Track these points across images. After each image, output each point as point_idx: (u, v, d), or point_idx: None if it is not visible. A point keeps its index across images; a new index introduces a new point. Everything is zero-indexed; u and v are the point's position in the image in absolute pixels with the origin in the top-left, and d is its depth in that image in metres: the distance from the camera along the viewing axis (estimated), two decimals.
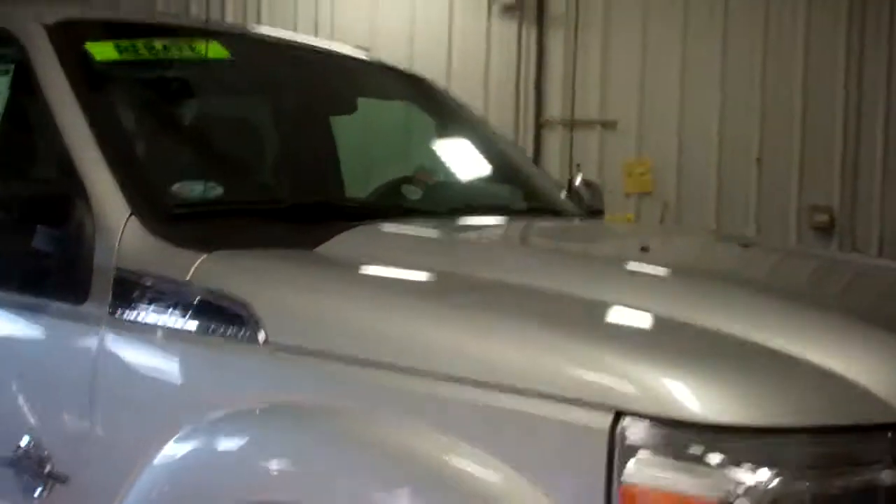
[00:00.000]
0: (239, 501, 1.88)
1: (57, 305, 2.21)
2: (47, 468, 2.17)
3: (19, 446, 2.21)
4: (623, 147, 7.60)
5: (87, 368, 2.12)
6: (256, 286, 2.02)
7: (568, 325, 1.82)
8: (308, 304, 1.97)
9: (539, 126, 7.73)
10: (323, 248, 2.22)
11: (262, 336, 1.93)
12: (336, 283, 2.06)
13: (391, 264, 2.16)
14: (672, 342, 1.74)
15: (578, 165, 7.46)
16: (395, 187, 3.36)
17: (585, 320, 1.88)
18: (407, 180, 3.47)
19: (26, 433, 2.21)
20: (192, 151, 2.75)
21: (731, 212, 7.40)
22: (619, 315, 1.87)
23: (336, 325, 1.90)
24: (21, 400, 2.26)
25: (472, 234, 2.68)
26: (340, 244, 2.24)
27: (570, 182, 3.77)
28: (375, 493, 1.75)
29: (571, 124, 7.60)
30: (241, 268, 2.09)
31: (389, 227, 2.47)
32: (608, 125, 7.64)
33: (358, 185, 3.59)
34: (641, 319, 1.84)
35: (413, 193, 3.39)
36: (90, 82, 2.42)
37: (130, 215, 2.20)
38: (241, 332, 1.96)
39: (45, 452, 2.18)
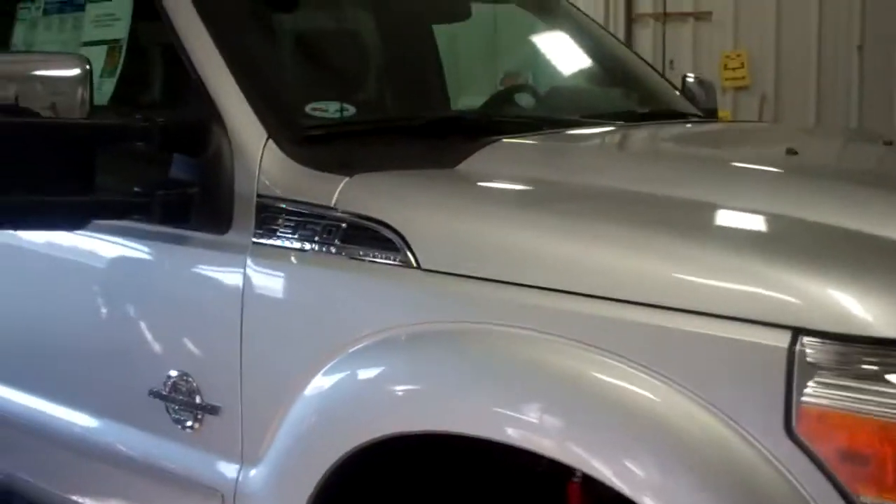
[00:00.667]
0: (386, 432, 1.85)
1: (199, 236, 2.17)
2: (197, 399, 2.17)
3: (168, 378, 2.21)
4: (718, 40, 7.33)
5: (234, 298, 2.08)
6: (405, 210, 1.96)
7: (740, 241, 1.75)
8: (460, 227, 1.90)
9: (630, 20, 7.50)
10: (464, 167, 2.14)
11: (413, 261, 1.88)
12: (487, 205, 1.99)
13: (537, 182, 2.09)
14: (850, 256, 1.65)
15: (672, 61, 7.25)
16: (508, 96, 3.26)
17: (757, 235, 1.81)
18: (519, 88, 3.37)
19: (175, 365, 2.20)
20: (320, 70, 2.67)
21: (832, 104, 7.13)
22: (789, 228, 1.78)
23: (490, 247, 1.83)
24: (168, 332, 2.25)
25: (614, 146, 2.58)
26: (480, 162, 2.16)
27: (684, 80, 3.64)
28: (533, 418, 1.70)
29: (664, 17, 7.35)
30: (388, 191, 2.03)
31: (527, 142, 2.38)
32: (702, 17, 7.37)
33: (470, 95, 3.50)
34: (814, 232, 1.75)
35: (526, 101, 3.29)
36: (215, 2, 2.35)
37: (268, 140, 2.14)
38: (392, 258, 1.91)
39: (195, 384, 2.17)
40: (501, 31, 3.69)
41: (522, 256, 1.78)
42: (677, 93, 3.46)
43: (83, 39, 2.53)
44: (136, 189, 2.16)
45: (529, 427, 1.69)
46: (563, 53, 3.43)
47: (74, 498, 2.59)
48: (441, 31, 3.34)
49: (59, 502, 2.68)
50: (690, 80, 3.65)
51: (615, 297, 1.65)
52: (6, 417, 2.71)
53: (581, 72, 3.42)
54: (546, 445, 1.67)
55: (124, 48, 2.43)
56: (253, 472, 2.08)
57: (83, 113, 2.04)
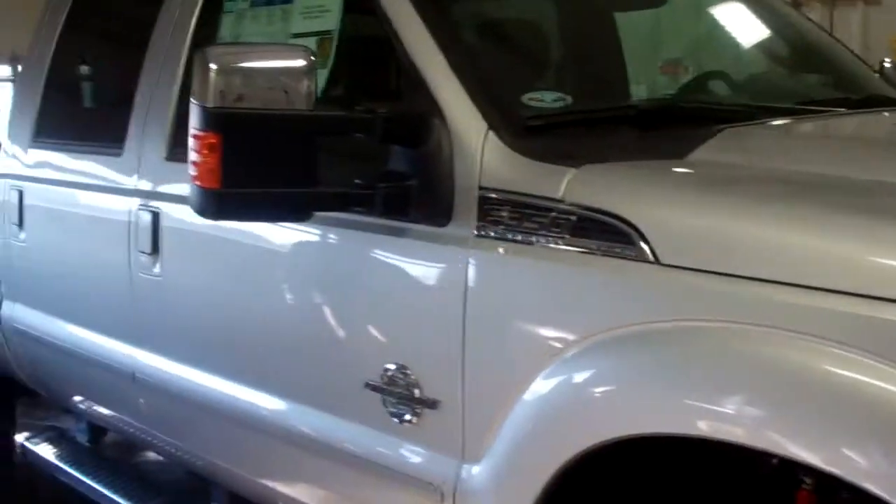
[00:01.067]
0: (617, 435, 1.77)
1: (418, 228, 2.14)
2: (416, 393, 2.14)
3: (386, 371, 2.18)
4: (889, 23, 7.01)
5: (457, 292, 2.04)
6: (641, 203, 1.88)
7: None
8: (702, 220, 1.81)
9: (797, 4, 7.22)
10: (695, 157, 2.05)
11: (651, 255, 1.80)
12: (728, 197, 1.88)
13: (775, 172, 1.99)
14: None
15: None
16: (702, 84, 3.14)
17: None
18: (714, 75, 3.24)
19: (393, 358, 2.18)
20: (531, 60, 2.62)
21: None
22: None
23: (735, 242, 1.74)
24: (386, 324, 2.23)
25: (851, 134, 2.45)
26: (712, 152, 2.08)
27: (882, 66, 3.45)
28: (776, 417, 1.61)
29: (832, 2, 7.08)
30: (620, 183, 1.95)
31: (757, 130, 2.27)
32: (871, 1, 7.07)
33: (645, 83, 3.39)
34: None
35: (720, 88, 3.16)
36: None
37: (488, 131, 2.10)
38: (627, 252, 1.83)
39: (414, 377, 2.14)
40: (684, 13, 3.56)
41: (768, 251, 1.69)
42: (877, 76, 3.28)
43: (292, 31, 2.52)
44: (356, 181, 2.15)
45: (779, 429, 1.60)
46: (763, 38, 3.28)
47: (279, 488, 2.61)
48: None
49: (261, 491, 2.70)
50: (888, 65, 3.46)
51: (868, 293, 1.55)
52: (210, 406, 2.75)
53: (780, 57, 3.27)
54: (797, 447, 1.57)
55: (335, 40, 2.41)
56: (475, 470, 2.04)
57: (309, 104, 2.03)
